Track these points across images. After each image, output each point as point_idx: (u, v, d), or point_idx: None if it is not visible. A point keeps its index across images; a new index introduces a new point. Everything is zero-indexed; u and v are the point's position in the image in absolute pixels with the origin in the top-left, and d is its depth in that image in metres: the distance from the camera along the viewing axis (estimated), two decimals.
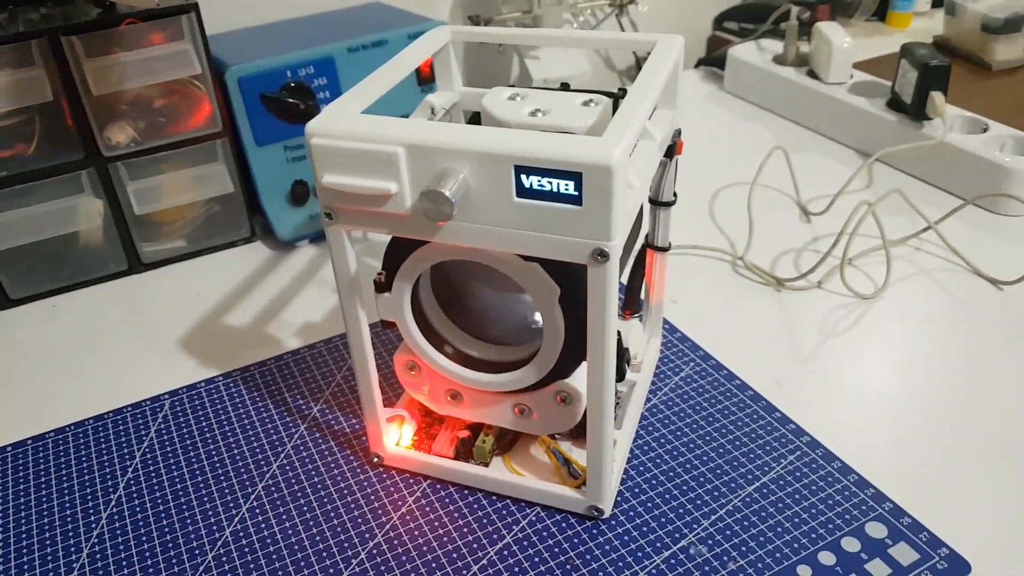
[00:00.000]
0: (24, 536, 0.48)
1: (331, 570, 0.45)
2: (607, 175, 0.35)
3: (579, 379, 0.45)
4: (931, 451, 0.51)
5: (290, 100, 0.71)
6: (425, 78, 0.76)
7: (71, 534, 0.48)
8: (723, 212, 0.77)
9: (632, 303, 0.55)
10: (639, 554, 0.45)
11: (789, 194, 0.79)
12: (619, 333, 0.51)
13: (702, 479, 0.50)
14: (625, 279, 0.55)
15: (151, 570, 0.46)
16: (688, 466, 0.51)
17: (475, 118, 0.48)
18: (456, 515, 0.48)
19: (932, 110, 0.77)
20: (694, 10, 1.14)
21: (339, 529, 0.47)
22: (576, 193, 0.36)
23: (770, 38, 1.01)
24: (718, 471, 0.50)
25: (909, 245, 0.71)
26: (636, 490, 0.49)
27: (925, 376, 0.57)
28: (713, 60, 1.05)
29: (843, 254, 0.66)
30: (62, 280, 0.69)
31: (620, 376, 0.49)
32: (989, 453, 0.51)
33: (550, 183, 0.36)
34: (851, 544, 0.46)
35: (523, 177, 0.36)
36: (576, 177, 0.35)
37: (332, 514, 0.48)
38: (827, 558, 0.45)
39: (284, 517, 0.48)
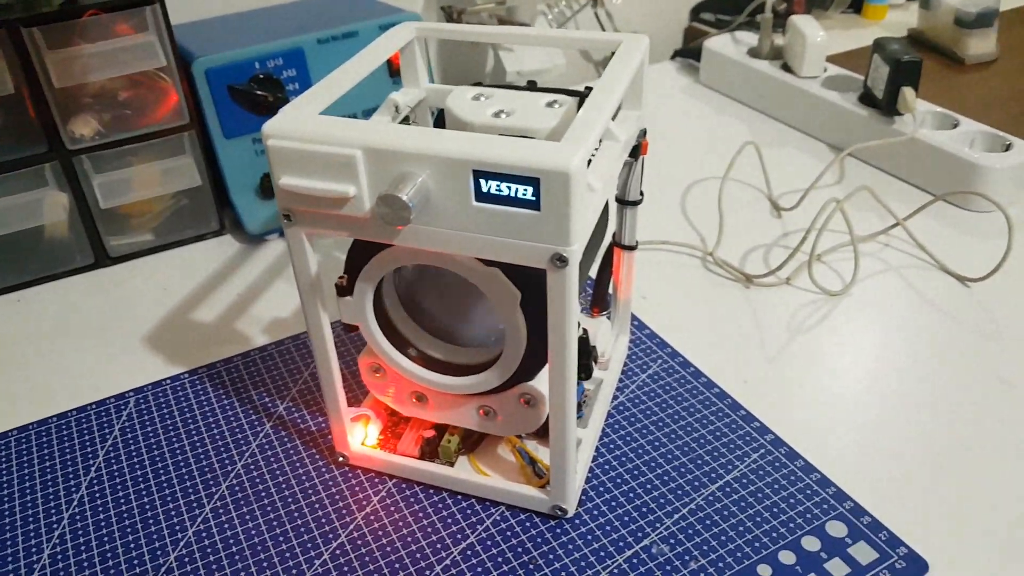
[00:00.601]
0: None
1: (294, 571, 0.45)
2: (565, 181, 0.35)
3: (543, 381, 0.45)
4: (893, 450, 0.52)
5: (259, 92, 0.71)
6: (396, 69, 0.76)
7: (32, 534, 0.48)
8: (694, 207, 0.77)
9: (600, 301, 0.55)
10: (602, 553, 0.46)
11: (761, 189, 0.79)
12: (586, 331, 0.51)
13: (666, 477, 0.50)
14: (594, 275, 0.55)
15: (112, 571, 0.45)
16: (653, 464, 0.51)
17: (441, 115, 0.48)
18: (420, 515, 0.48)
19: (903, 106, 0.77)
20: (671, 1, 1.14)
21: (303, 529, 0.47)
22: (534, 198, 0.36)
23: (746, 30, 1.01)
24: (682, 469, 0.50)
25: (878, 241, 0.71)
26: (601, 488, 0.49)
27: (890, 374, 0.57)
28: (689, 52, 1.05)
29: (811, 250, 0.66)
30: (27, 274, 0.68)
31: (587, 375, 0.49)
32: (950, 452, 0.51)
33: (508, 188, 0.36)
34: (811, 543, 0.46)
35: (482, 182, 0.36)
36: (534, 182, 0.35)
37: (296, 514, 0.48)
38: (787, 557, 0.45)
39: (247, 517, 0.48)
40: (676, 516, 0.48)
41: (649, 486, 0.49)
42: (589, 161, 0.41)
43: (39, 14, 0.60)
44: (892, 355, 0.59)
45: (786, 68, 0.90)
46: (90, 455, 0.52)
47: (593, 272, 0.54)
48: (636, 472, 0.50)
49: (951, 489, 0.49)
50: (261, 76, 0.70)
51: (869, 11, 1.15)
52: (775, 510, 0.48)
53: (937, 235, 0.71)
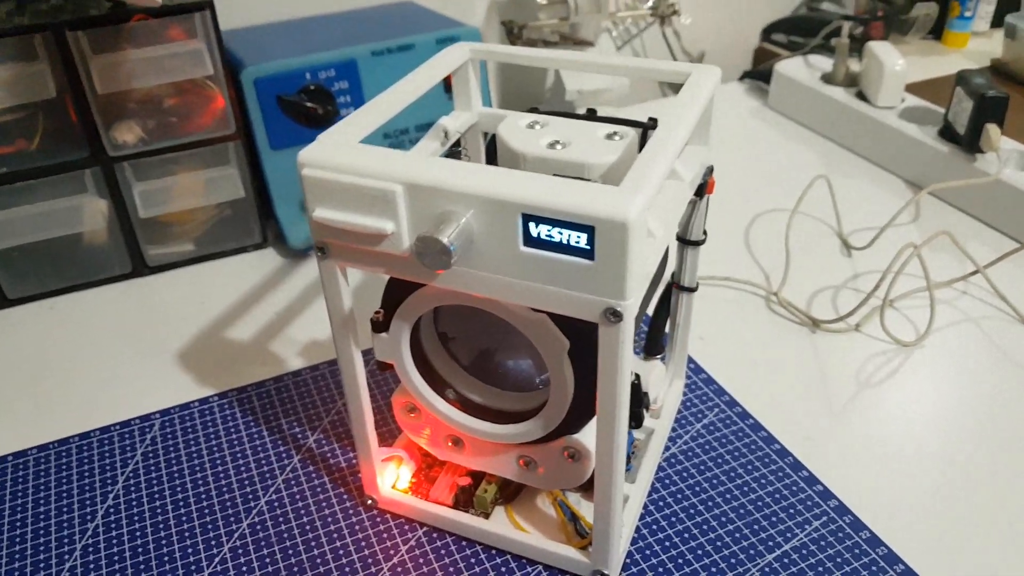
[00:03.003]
0: None
1: None
2: (623, 231, 0.31)
3: (589, 435, 0.41)
4: (968, 522, 0.47)
5: (309, 104, 0.68)
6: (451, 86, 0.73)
7: (42, 565, 0.45)
8: (759, 241, 0.72)
9: (654, 345, 0.51)
10: None
11: (831, 225, 0.74)
12: (638, 377, 0.47)
13: (719, 543, 0.46)
14: (650, 312, 0.51)
15: None
16: (705, 527, 0.47)
17: (494, 141, 0.44)
18: (451, 570, 0.45)
19: (987, 143, 0.71)
20: (742, 20, 1.09)
21: None
22: (588, 247, 0.32)
23: (820, 54, 0.96)
24: (737, 535, 0.46)
25: (956, 289, 0.66)
26: (647, 552, 0.45)
27: (966, 436, 0.52)
28: (759, 74, 1.00)
29: (884, 296, 0.61)
30: (64, 281, 0.67)
31: (638, 423, 0.45)
32: None
33: (560, 234, 0.32)
34: None
35: (531, 225, 0.33)
36: (589, 230, 0.32)
37: (319, 560, 0.45)
38: None
39: (268, 561, 0.45)
40: None
41: (700, 552, 0.45)
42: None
43: (85, 17, 0.58)
44: (968, 414, 0.54)
45: (861, 96, 0.85)
46: (109, 481, 0.50)
47: (649, 310, 0.50)
48: (686, 535, 0.46)
49: None
50: (312, 87, 0.68)
51: (950, 38, 1.09)
52: None
53: (1020, 285, 0.66)
